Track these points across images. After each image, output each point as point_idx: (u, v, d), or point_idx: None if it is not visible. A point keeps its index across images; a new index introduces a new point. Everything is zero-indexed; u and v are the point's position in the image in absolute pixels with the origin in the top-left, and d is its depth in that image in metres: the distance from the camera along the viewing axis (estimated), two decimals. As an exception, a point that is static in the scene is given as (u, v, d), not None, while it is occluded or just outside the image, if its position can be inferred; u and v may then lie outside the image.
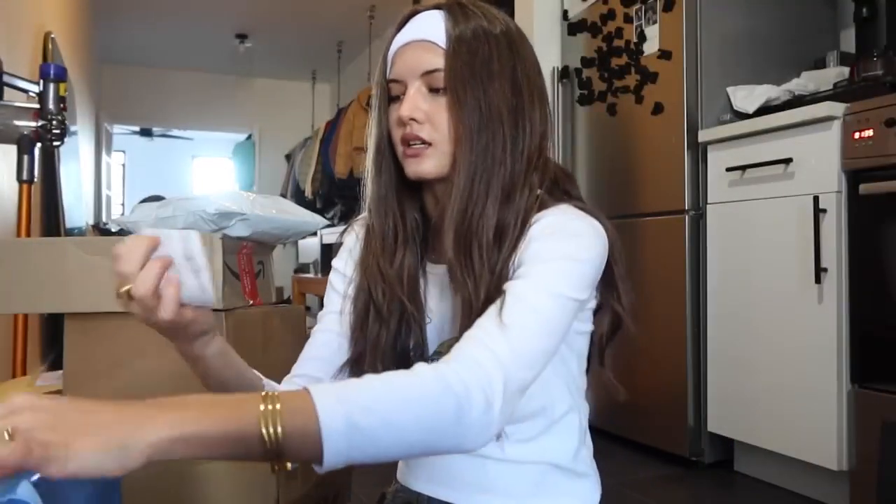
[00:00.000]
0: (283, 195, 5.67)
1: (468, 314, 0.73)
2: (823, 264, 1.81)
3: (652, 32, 2.36)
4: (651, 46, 2.36)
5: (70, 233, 3.21)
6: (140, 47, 6.29)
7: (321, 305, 0.89)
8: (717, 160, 2.16)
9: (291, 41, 6.15)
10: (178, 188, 8.91)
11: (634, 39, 2.43)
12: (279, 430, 0.51)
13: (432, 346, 0.82)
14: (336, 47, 6.22)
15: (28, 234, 2.01)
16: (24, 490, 0.54)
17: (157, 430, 0.47)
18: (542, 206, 0.77)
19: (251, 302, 1.26)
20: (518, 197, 0.76)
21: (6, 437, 0.45)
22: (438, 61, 0.76)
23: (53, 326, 2.50)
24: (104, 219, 5.79)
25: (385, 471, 0.96)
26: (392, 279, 0.81)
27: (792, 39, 2.38)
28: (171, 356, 1.20)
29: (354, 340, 0.82)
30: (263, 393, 0.53)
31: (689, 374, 2.21)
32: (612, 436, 2.41)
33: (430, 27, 0.78)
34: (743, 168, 2.05)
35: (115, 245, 0.60)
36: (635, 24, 2.43)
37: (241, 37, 6.04)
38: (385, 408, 0.55)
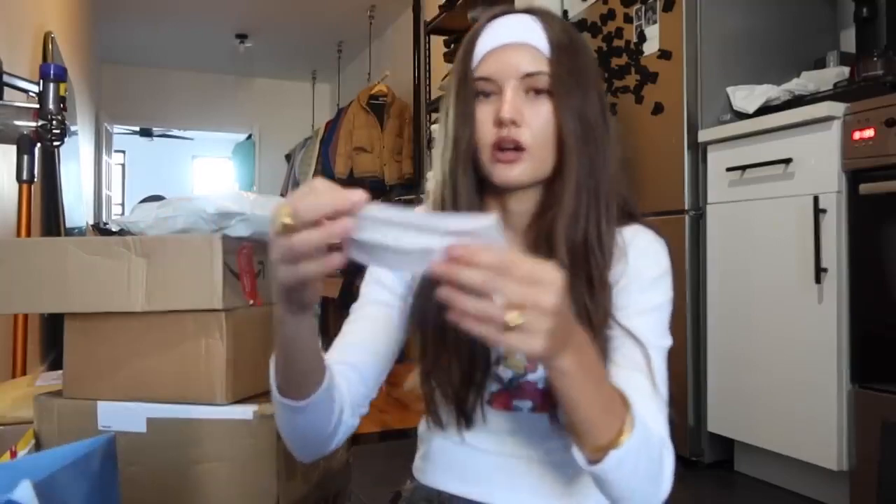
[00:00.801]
0: (283, 195, 5.67)
1: (585, 325, 0.73)
2: (823, 264, 1.81)
3: (652, 32, 2.36)
4: (651, 46, 2.36)
5: (70, 233, 3.21)
6: (140, 47, 6.29)
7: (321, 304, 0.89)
8: (717, 160, 2.16)
9: (291, 41, 6.15)
10: (178, 188, 8.92)
11: (634, 39, 2.43)
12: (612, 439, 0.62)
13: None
14: (336, 47, 6.23)
15: (28, 234, 2.01)
16: (23, 491, 0.54)
17: (566, 362, 0.56)
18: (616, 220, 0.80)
19: (251, 302, 1.26)
20: (612, 205, 0.79)
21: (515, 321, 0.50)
22: (539, 65, 0.77)
23: (53, 326, 2.50)
24: (104, 219, 5.79)
25: (383, 471, 0.96)
26: None
27: (792, 39, 2.38)
28: (171, 356, 1.20)
29: (428, 340, 0.81)
30: (629, 414, 0.63)
31: (689, 374, 2.21)
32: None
33: (528, 31, 0.79)
34: (743, 168, 2.05)
35: (313, 182, 0.53)
36: (635, 24, 2.43)
37: (241, 37, 6.05)
38: (648, 457, 0.65)
